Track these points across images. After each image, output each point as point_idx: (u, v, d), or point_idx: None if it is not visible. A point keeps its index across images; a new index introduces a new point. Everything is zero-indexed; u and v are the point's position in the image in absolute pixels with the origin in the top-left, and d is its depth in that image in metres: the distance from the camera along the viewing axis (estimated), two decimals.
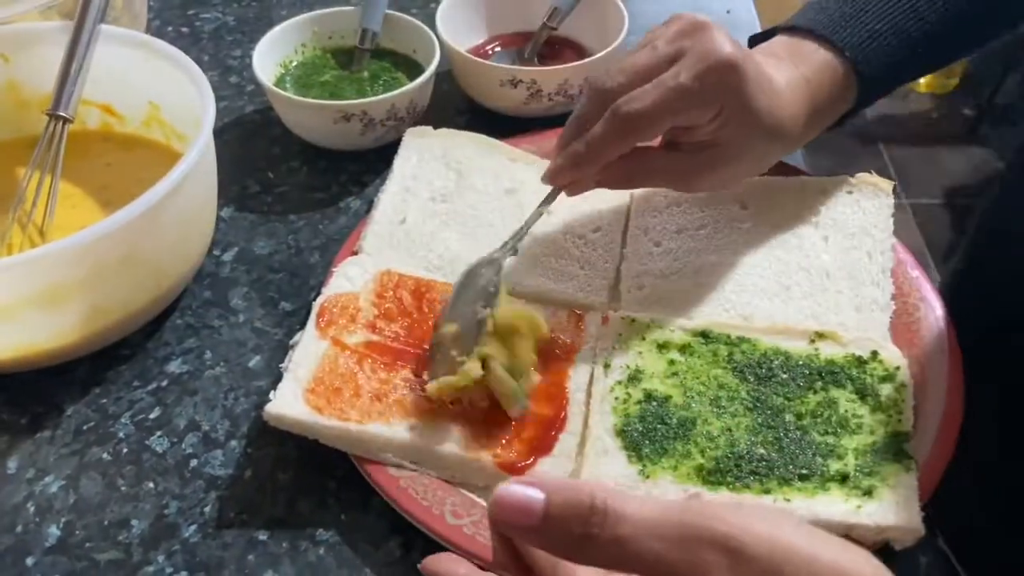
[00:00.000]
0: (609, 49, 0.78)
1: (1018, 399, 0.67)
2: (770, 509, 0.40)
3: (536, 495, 0.34)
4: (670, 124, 0.56)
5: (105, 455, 0.57)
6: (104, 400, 0.61)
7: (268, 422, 0.54)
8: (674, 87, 0.54)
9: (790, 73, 0.59)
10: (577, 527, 0.34)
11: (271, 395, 0.55)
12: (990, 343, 0.62)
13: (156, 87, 0.69)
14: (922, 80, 2.83)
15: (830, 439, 0.53)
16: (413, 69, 0.81)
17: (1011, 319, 0.69)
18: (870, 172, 0.67)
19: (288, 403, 0.54)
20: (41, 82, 0.69)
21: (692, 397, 0.56)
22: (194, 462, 0.57)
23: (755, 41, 0.65)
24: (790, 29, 0.63)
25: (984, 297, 0.74)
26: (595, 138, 0.56)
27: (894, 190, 0.67)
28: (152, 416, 0.60)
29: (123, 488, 0.56)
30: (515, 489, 0.34)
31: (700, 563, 0.32)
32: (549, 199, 0.61)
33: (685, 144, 0.59)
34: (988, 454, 0.66)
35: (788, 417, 0.55)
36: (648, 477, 0.52)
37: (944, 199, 2.40)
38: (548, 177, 0.59)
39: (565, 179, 0.59)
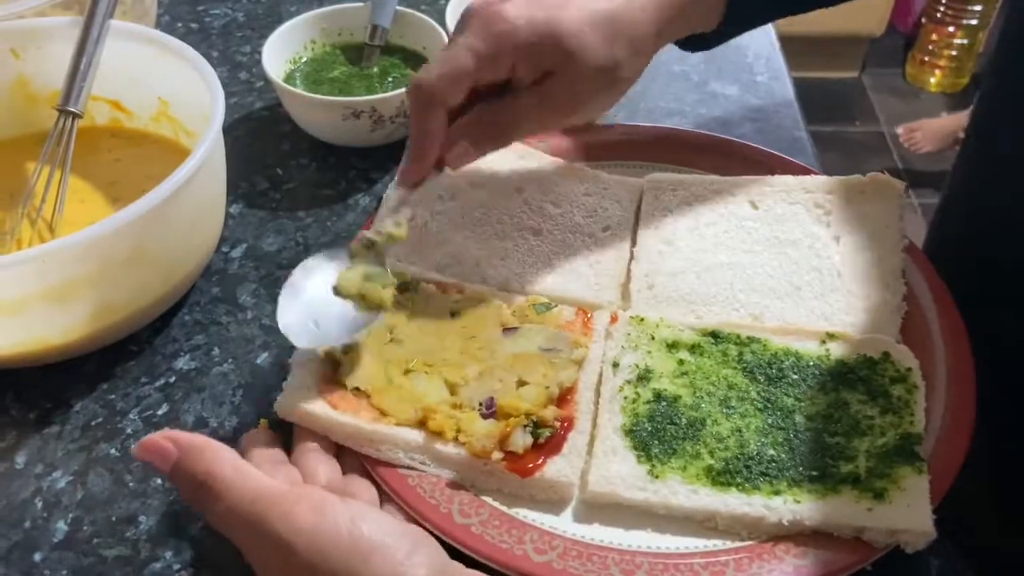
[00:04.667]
0: None
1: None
2: (352, 510, 0.45)
3: (170, 450, 0.46)
4: (466, 84, 0.55)
5: (113, 451, 0.57)
6: (112, 396, 0.60)
7: (278, 413, 0.54)
8: (453, 49, 0.55)
9: None
10: (192, 491, 0.45)
11: (283, 386, 0.55)
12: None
13: (165, 83, 0.69)
14: (932, 79, 2.82)
15: (841, 441, 0.53)
16: (422, 65, 0.81)
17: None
18: (882, 172, 0.67)
19: (301, 396, 0.54)
20: (51, 78, 0.69)
21: (702, 397, 0.56)
22: None
23: None
24: None
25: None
26: (411, 122, 0.57)
27: (906, 190, 0.66)
28: (160, 412, 0.60)
29: (131, 484, 0.56)
30: (156, 439, 0.46)
31: (262, 551, 0.43)
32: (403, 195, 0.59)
33: (528, 83, 0.57)
34: (996, 450, 0.65)
35: (799, 418, 0.54)
36: (657, 477, 0.52)
37: None
38: (399, 180, 0.59)
39: (413, 174, 0.58)
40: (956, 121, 2.54)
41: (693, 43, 0.67)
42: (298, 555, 0.42)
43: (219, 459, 0.45)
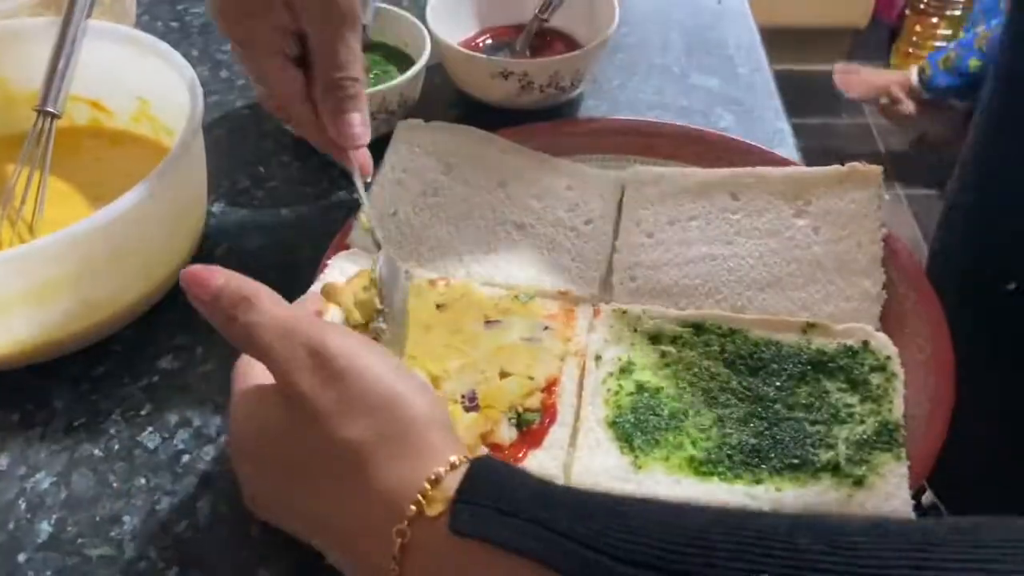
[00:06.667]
0: (600, 40, 0.78)
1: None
2: (370, 342, 0.46)
3: (218, 277, 0.46)
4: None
5: (96, 451, 0.57)
6: (95, 396, 0.60)
7: None
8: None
9: None
10: (229, 308, 0.45)
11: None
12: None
13: (145, 82, 0.69)
14: None
15: (821, 429, 0.53)
16: (404, 62, 0.81)
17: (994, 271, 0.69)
18: (861, 161, 0.67)
19: None
20: (29, 78, 0.68)
21: (684, 388, 0.56)
22: (186, 458, 0.57)
23: None
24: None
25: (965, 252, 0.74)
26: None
27: (884, 173, 0.67)
28: (143, 412, 0.59)
29: (115, 484, 0.56)
30: (200, 268, 0.46)
31: (292, 356, 0.43)
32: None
33: None
34: (982, 433, 0.66)
35: (779, 407, 0.55)
36: (640, 468, 0.52)
37: (939, 189, 2.40)
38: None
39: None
40: (891, 77, 2.52)
41: None
42: (328, 358, 0.42)
43: (265, 286, 0.47)
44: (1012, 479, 0.72)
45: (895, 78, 2.50)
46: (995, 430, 0.66)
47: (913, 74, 2.45)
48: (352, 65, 0.58)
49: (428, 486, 0.40)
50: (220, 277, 0.46)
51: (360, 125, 0.59)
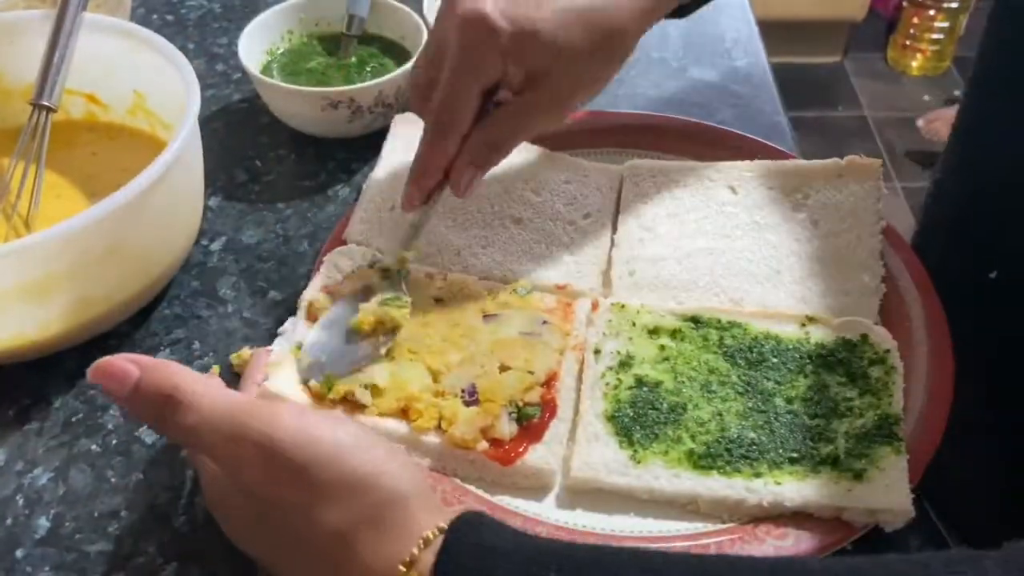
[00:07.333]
0: None
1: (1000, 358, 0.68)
2: (327, 417, 0.44)
3: (132, 370, 0.42)
4: (476, 94, 0.54)
5: (94, 446, 0.57)
6: (92, 391, 0.60)
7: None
8: (451, 65, 0.54)
9: None
10: (155, 408, 0.42)
11: (262, 382, 0.55)
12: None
13: (141, 76, 0.69)
14: (914, 63, 2.83)
15: (820, 422, 0.53)
16: (401, 55, 0.80)
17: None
18: (859, 155, 0.67)
19: (286, 384, 0.54)
20: (24, 72, 0.68)
21: (683, 382, 0.56)
22: (184, 452, 0.57)
23: None
24: None
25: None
26: (424, 147, 0.57)
27: (883, 165, 0.66)
28: None
29: (112, 479, 0.55)
30: (116, 361, 0.43)
31: (241, 458, 0.41)
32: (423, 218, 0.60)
33: (517, 88, 0.55)
34: (978, 424, 0.66)
35: (779, 401, 0.55)
36: (639, 462, 0.52)
37: None
38: (405, 206, 0.59)
39: (416, 198, 0.58)
40: None
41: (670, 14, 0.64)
42: (282, 455, 0.40)
43: (185, 372, 0.43)
44: (993, 461, 0.72)
45: None
46: (981, 417, 0.67)
47: None
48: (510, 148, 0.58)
49: (404, 568, 0.40)
50: (134, 370, 0.42)
51: (471, 188, 0.57)
